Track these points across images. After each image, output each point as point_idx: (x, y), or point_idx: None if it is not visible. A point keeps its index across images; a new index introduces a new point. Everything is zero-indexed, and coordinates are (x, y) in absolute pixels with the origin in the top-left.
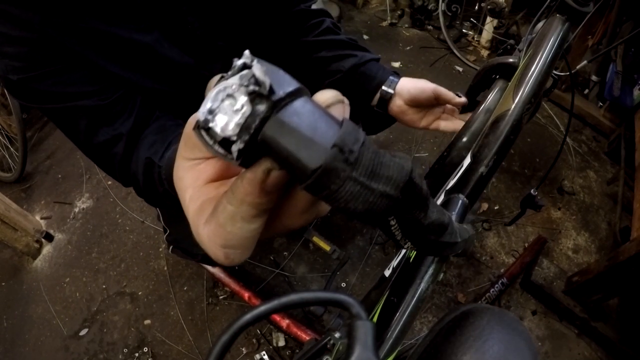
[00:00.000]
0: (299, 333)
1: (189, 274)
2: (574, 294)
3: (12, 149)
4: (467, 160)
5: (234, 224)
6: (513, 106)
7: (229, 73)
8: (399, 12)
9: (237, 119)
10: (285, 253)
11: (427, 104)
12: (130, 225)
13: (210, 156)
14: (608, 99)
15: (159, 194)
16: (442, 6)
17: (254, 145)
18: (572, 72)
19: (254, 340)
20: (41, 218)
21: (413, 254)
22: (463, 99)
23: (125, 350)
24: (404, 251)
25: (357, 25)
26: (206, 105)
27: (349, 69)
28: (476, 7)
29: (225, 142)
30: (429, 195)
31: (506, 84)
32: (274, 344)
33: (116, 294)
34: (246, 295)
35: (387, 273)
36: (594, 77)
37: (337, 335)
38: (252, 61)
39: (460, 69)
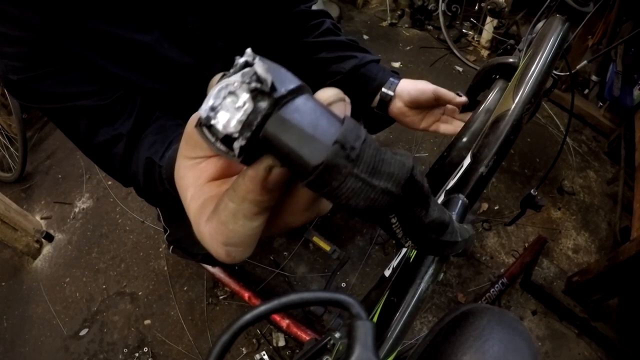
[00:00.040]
0: (299, 333)
1: (189, 274)
2: (574, 294)
3: (12, 149)
4: (467, 160)
5: (235, 221)
6: (513, 106)
7: (231, 71)
8: (399, 12)
9: (239, 116)
10: (285, 253)
11: (427, 105)
12: (130, 225)
13: (212, 155)
14: (608, 99)
15: (159, 194)
16: (442, 6)
17: (256, 142)
18: (572, 72)
19: (254, 340)
20: (41, 218)
21: (413, 254)
22: (464, 99)
23: (125, 350)
24: (404, 251)
25: (357, 26)
26: (208, 102)
27: (349, 70)
28: (476, 7)
29: (227, 139)
30: (430, 193)
31: (506, 84)
32: (274, 344)
33: (116, 294)
34: (246, 295)
35: (387, 273)
36: (594, 77)
37: (337, 335)
38: (254, 59)
39: (460, 69)
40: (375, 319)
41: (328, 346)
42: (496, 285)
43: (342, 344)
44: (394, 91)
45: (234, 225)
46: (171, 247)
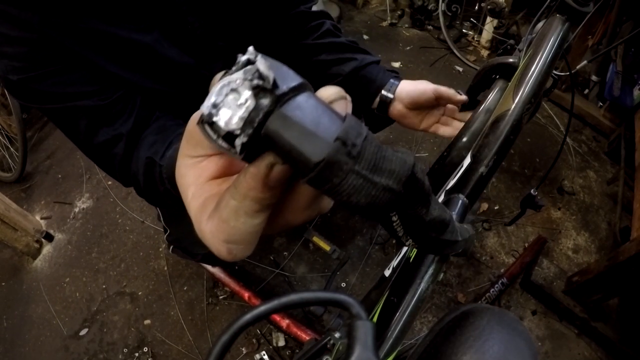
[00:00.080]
0: (299, 333)
1: (189, 274)
2: (574, 294)
3: (12, 149)
4: (467, 160)
5: (237, 218)
6: (513, 106)
7: (233, 68)
8: (399, 12)
9: (241, 112)
10: (285, 253)
11: (427, 106)
12: (130, 225)
13: (213, 153)
14: (608, 99)
15: (159, 194)
16: (442, 6)
17: (258, 139)
18: (572, 72)
19: (254, 340)
20: (41, 218)
21: (413, 253)
22: (464, 97)
23: (125, 350)
24: (403, 251)
25: (357, 26)
26: (210, 99)
27: (349, 72)
28: (476, 7)
29: (229, 136)
30: (431, 191)
31: (506, 84)
32: (274, 344)
33: (116, 293)
34: (246, 295)
35: (387, 273)
36: (594, 77)
37: (337, 335)
38: (256, 56)
39: (460, 69)
40: (375, 319)
41: (328, 346)
42: (496, 285)
43: (342, 344)
44: (393, 93)
45: (236, 222)
46: (171, 247)
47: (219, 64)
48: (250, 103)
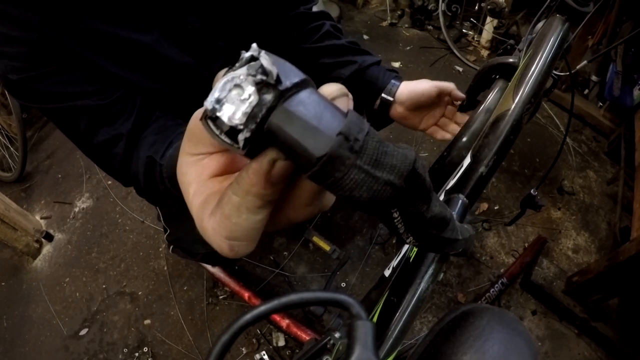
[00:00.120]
0: (299, 333)
1: (189, 274)
2: (574, 294)
3: (12, 148)
4: (467, 160)
5: (239, 215)
6: (513, 106)
7: (237, 65)
8: (399, 12)
9: (244, 108)
10: (285, 253)
11: (428, 105)
12: (130, 225)
13: (214, 151)
14: (608, 99)
15: (160, 193)
16: (442, 6)
17: (260, 134)
18: (572, 72)
19: (254, 340)
20: (41, 218)
21: (413, 253)
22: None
23: (125, 350)
24: (404, 251)
25: (357, 26)
26: (214, 94)
27: (349, 75)
28: (476, 7)
29: (232, 132)
30: (432, 187)
31: (506, 84)
32: (274, 344)
33: (116, 293)
34: (246, 295)
35: (387, 273)
36: (594, 77)
37: (337, 335)
38: (259, 53)
39: (460, 69)
40: (375, 319)
41: (328, 346)
42: (496, 285)
43: (342, 344)
44: (394, 96)
45: (238, 218)
46: (171, 247)
47: (218, 64)
48: (254, 98)
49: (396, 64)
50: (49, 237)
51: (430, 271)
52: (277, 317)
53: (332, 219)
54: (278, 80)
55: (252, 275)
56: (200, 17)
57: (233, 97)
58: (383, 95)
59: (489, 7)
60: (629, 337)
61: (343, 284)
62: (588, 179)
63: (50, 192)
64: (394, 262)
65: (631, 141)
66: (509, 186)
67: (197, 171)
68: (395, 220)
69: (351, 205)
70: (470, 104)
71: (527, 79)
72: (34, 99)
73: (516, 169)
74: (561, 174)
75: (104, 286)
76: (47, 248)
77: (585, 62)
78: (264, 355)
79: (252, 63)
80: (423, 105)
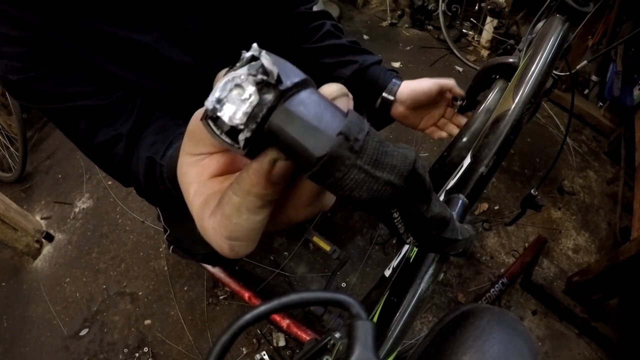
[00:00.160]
0: (299, 333)
1: (189, 274)
2: (574, 294)
3: (12, 149)
4: (467, 160)
5: (239, 215)
6: (513, 106)
7: (237, 64)
8: (399, 12)
9: (245, 107)
10: (285, 253)
11: (428, 104)
12: (130, 225)
13: (214, 151)
14: (608, 99)
15: (160, 193)
16: (442, 6)
17: (261, 134)
18: (572, 72)
19: (254, 340)
20: (41, 218)
21: (413, 253)
22: (462, 92)
23: (126, 350)
24: (404, 251)
25: (357, 26)
26: (214, 94)
27: (350, 75)
28: (476, 7)
29: (232, 132)
30: (432, 188)
31: (506, 84)
32: (274, 344)
33: (116, 294)
34: (246, 295)
35: (387, 273)
36: (594, 77)
37: (337, 335)
38: (260, 53)
39: (460, 69)
40: (375, 319)
41: (328, 346)
42: (496, 285)
43: (342, 344)
44: (394, 95)
45: (238, 219)
46: (171, 247)
47: (218, 64)
48: (254, 98)
49: (396, 64)
50: (49, 238)
51: (430, 271)
52: (277, 317)
53: (332, 219)
54: (279, 80)
55: (252, 275)
56: (200, 17)
57: (234, 97)
58: (384, 94)
59: (489, 7)
60: (629, 337)
61: (343, 284)
62: (588, 179)
63: (50, 192)
64: (394, 262)
65: (631, 141)
66: (509, 186)
67: (197, 171)
68: (395, 221)
69: (351, 205)
70: (470, 104)
71: (527, 79)
72: (33, 100)
73: (516, 169)
74: (561, 174)
75: (104, 286)
76: (47, 248)
77: (585, 62)
78: (264, 355)
79: (253, 63)
80: (424, 105)
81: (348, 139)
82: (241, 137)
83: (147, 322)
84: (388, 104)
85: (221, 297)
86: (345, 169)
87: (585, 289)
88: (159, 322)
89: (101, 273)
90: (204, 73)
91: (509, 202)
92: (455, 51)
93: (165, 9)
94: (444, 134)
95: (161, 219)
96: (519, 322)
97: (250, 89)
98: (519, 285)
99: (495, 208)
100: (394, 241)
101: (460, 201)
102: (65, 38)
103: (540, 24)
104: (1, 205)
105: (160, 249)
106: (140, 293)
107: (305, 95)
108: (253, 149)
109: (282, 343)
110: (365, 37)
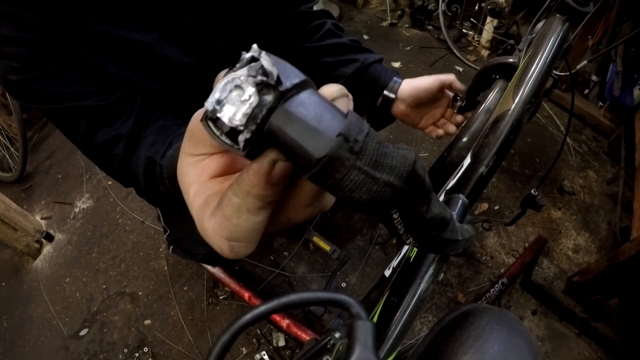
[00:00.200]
0: (299, 333)
1: (189, 274)
2: (574, 294)
3: (12, 149)
4: (467, 160)
5: (239, 216)
6: (513, 106)
7: (237, 65)
8: (399, 12)
9: (245, 109)
10: (285, 253)
11: (429, 101)
12: (130, 225)
13: (214, 152)
14: (608, 99)
15: (160, 193)
16: (442, 6)
17: (261, 135)
18: (572, 72)
19: (254, 340)
20: (41, 218)
21: (413, 253)
22: (463, 86)
23: (126, 350)
24: (404, 251)
25: (357, 25)
26: (214, 95)
27: (352, 74)
28: (476, 7)
29: (232, 133)
30: (432, 188)
31: (506, 84)
32: (274, 344)
33: (116, 294)
34: (246, 295)
35: (387, 273)
36: (594, 77)
37: (337, 335)
38: (260, 54)
39: (461, 69)
40: (375, 319)
41: (328, 346)
42: (496, 285)
43: (342, 344)
44: (395, 93)
45: (238, 219)
46: (171, 247)
47: (219, 64)
48: (254, 99)
49: (396, 64)
50: (49, 238)
51: (430, 271)
52: (277, 317)
53: (332, 219)
54: (278, 81)
55: (252, 275)
56: (200, 17)
57: (233, 98)
58: (385, 92)
59: (489, 7)
60: (629, 337)
61: (343, 284)
62: (588, 179)
63: (50, 192)
64: (394, 262)
65: (631, 141)
66: (509, 186)
67: (197, 172)
68: (395, 221)
69: (351, 206)
70: (470, 104)
71: (527, 79)
72: (33, 100)
73: (516, 169)
74: (561, 174)
75: (104, 286)
76: (47, 248)
77: (585, 62)
78: (264, 355)
79: (253, 64)
80: (425, 102)
81: (347, 140)
82: (241, 138)
83: (147, 322)
84: (389, 102)
85: (221, 297)
86: (345, 170)
87: (585, 289)
88: (158, 322)
89: (101, 273)
90: (204, 73)
91: (509, 202)
92: (455, 51)
93: (165, 9)
94: (441, 132)
95: (161, 219)
96: (519, 322)
97: (250, 90)
98: (519, 285)
99: (495, 208)
100: (394, 241)
101: (460, 201)
102: (65, 38)
103: (540, 24)
104: (1, 205)
105: (160, 249)
106: (140, 293)
107: (305, 96)
108: (253, 150)
109: (282, 343)
110: (365, 37)
